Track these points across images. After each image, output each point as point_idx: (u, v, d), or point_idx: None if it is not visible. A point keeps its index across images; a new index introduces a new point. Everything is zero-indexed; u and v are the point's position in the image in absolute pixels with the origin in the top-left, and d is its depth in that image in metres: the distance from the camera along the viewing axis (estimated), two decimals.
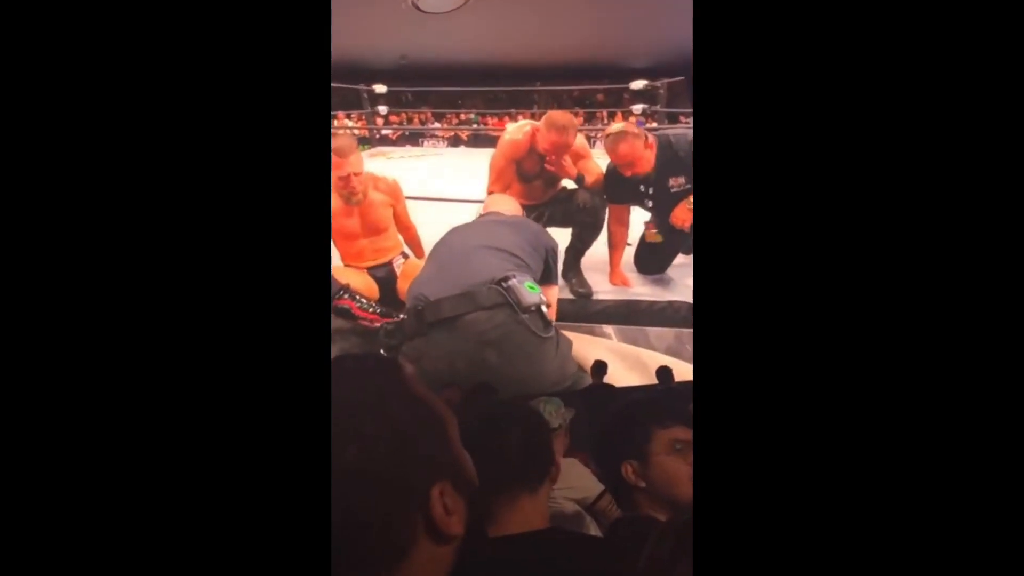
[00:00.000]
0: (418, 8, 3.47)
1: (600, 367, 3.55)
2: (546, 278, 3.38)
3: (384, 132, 5.71)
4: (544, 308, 3.07)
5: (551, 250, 3.40)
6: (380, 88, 5.46)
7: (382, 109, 5.82)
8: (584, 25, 4.09)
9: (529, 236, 3.29)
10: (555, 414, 1.71)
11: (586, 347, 3.78)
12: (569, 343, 3.29)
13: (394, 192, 4.03)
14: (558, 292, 3.77)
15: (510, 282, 2.95)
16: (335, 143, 3.70)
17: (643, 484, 1.16)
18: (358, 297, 3.78)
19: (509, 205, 3.72)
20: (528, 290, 3.00)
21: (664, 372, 3.63)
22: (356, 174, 3.69)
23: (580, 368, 3.39)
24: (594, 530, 1.52)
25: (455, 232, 3.33)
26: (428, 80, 5.02)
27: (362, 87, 5.48)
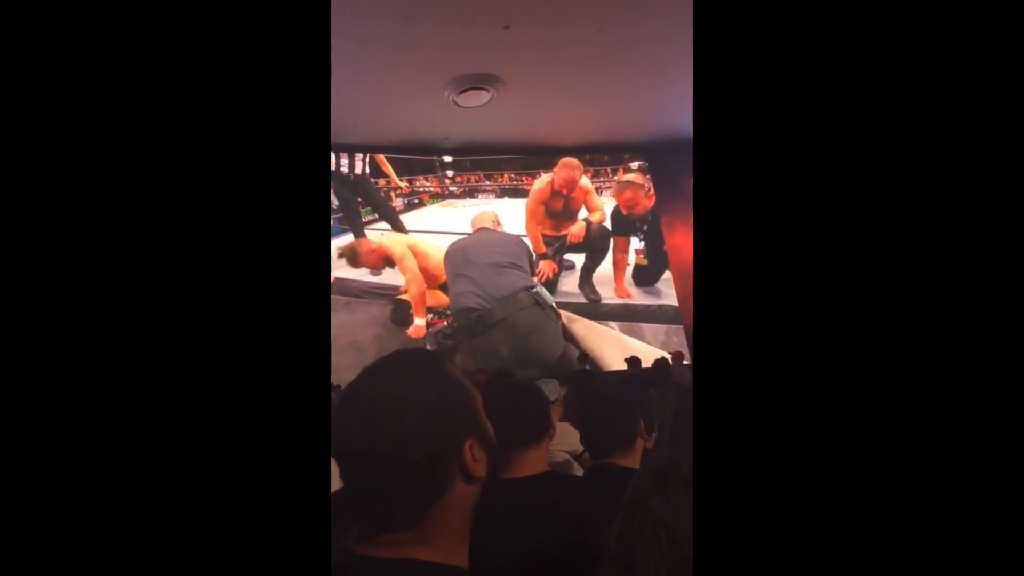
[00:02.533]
0: (456, 104, 3.67)
1: (583, 357, 3.82)
2: (531, 270, 3.71)
3: (451, 189, 5.97)
4: (553, 303, 3.49)
5: (528, 252, 3.75)
6: (448, 158, 5.71)
7: (449, 172, 6.04)
8: (588, 114, 4.31)
9: (519, 248, 3.65)
10: (553, 390, 1.81)
11: (595, 333, 4.10)
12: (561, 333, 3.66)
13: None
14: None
15: (536, 288, 3.37)
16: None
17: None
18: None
19: (489, 219, 4.02)
20: (547, 294, 3.46)
21: (633, 360, 3.81)
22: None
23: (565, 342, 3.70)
24: (578, 472, 1.58)
25: (466, 250, 3.58)
26: (471, 153, 5.34)
27: (435, 158, 5.74)
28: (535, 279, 3.59)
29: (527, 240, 4.16)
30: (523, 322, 3.28)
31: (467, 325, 3.32)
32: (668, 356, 3.91)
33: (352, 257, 4.24)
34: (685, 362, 4.18)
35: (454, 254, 3.60)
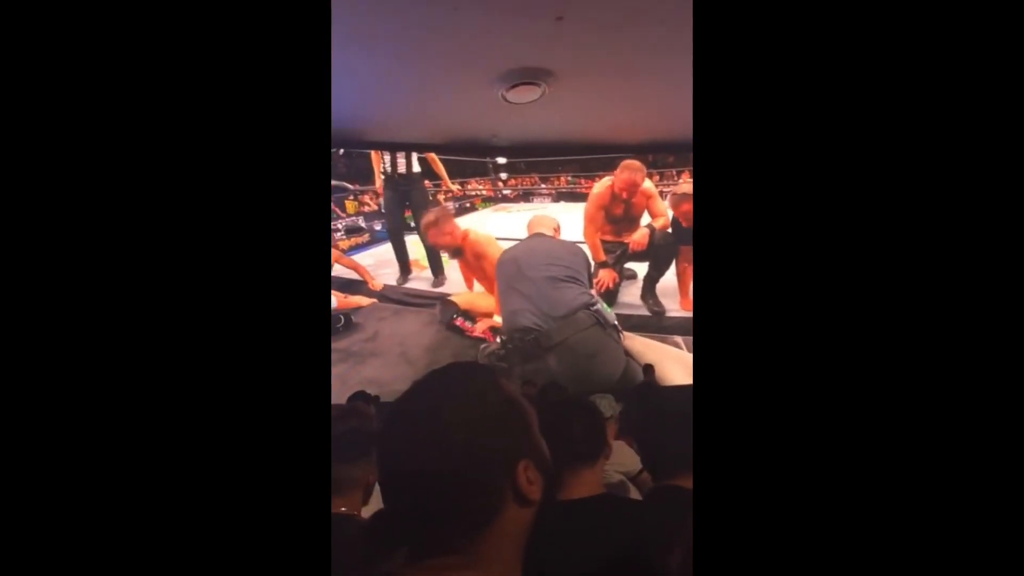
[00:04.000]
0: (506, 100, 3.58)
1: (648, 368, 3.55)
2: (591, 283, 3.49)
3: (504, 192, 5.92)
4: (615, 321, 3.22)
5: (587, 263, 3.48)
6: (501, 160, 5.62)
7: (503, 175, 5.99)
8: (645, 111, 4.18)
9: (576, 259, 3.39)
10: (608, 407, 1.73)
11: (654, 351, 3.82)
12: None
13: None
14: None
15: (596, 307, 3.09)
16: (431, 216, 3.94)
17: None
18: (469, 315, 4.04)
19: (550, 225, 3.78)
20: (608, 312, 3.16)
21: (647, 368, 3.57)
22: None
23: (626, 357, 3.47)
24: (635, 495, 1.52)
25: (519, 261, 3.36)
26: (522, 152, 5.15)
27: (488, 160, 5.64)
28: (594, 292, 3.35)
29: (585, 248, 3.89)
30: (583, 344, 3.02)
31: (522, 347, 3.12)
32: None
33: (429, 224, 4.00)
34: None
35: (506, 264, 3.40)
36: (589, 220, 4.51)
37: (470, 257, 4.11)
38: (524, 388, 2.34)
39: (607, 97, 4.12)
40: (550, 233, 3.75)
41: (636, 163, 4.36)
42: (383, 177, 5.09)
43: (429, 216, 4.02)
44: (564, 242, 3.73)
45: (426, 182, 5.55)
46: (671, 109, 4.54)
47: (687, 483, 1.08)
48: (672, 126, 4.98)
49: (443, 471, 0.53)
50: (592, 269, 3.61)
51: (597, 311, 3.07)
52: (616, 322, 3.15)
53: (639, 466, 1.62)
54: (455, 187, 5.78)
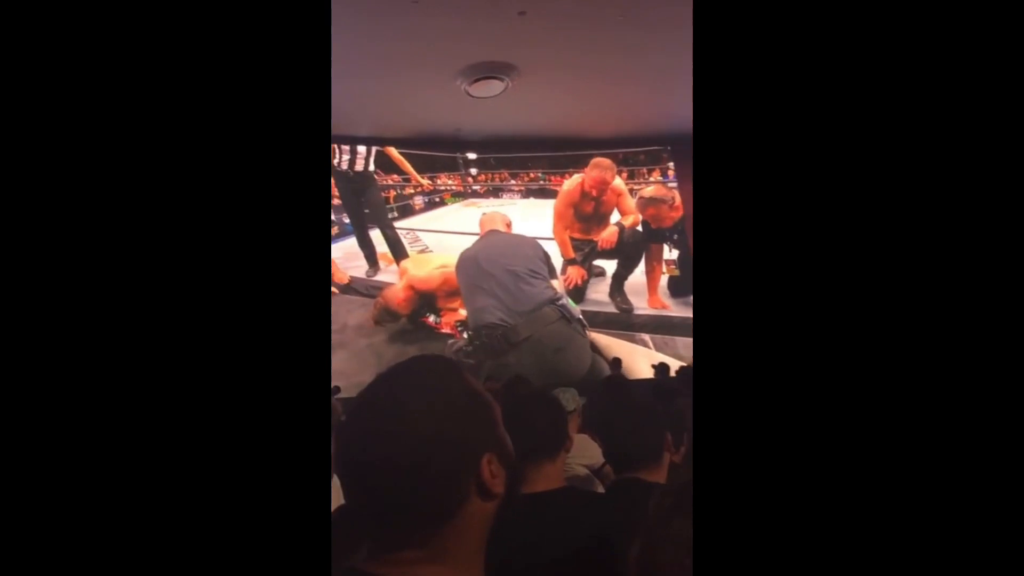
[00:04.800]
0: (469, 94, 3.63)
1: (616, 362, 3.67)
2: (551, 275, 3.59)
3: (474, 187, 5.96)
4: (580, 315, 3.34)
5: (545, 257, 3.58)
6: (471, 155, 5.67)
7: (473, 170, 6.02)
8: (611, 106, 4.26)
9: (535, 252, 3.51)
10: (570, 400, 1.77)
11: (620, 348, 3.93)
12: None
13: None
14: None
15: (561, 301, 3.22)
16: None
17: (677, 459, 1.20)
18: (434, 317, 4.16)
19: (501, 221, 3.90)
20: (573, 306, 3.31)
21: (662, 367, 3.75)
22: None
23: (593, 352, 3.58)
24: (599, 488, 1.55)
25: (479, 259, 3.45)
26: (486, 147, 5.24)
27: (458, 155, 5.68)
28: (560, 287, 3.43)
29: (545, 243, 3.98)
30: (550, 339, 3.16)
31: (489, 343, 3.20)
32: None
33: (385, 314, 4.24)
34: None
35: (466, 263, 3.47)
36: (558, 217, 4.58)
37: (440, 294, 4.26)
38: (487, 384, 2.38)
39: (572, 92, 4.15)
40: (503, 229, 3.84)
41: (606, 161, 4.45)
42: (336, 174, 4.98)
43: (379, 313, 4.25)
44: (520, 236, 3.84)
45: (394, 176, 5.53)
46: (638, 104, 4.61)
47: (648, 476, 1.11)
48: (640, 122, 5.04)
49: (406, 464, 0.54)
50: (550, 261, 3.68)
51: (562, 306, 3.17)
52: (581, 316, 3.26)
53: (602, 459, 1.65)
54: (425, 182, 5.79)
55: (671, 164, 5.27)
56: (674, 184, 5.20)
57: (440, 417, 0.56)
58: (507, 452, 0.61)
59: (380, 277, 5.03)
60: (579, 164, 4.88)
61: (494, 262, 3.35)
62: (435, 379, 0.60)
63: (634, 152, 5.58)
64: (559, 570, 0.84)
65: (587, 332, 3.37)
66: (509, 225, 3.93)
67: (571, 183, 4.61)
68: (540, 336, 3.12)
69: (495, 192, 6.20)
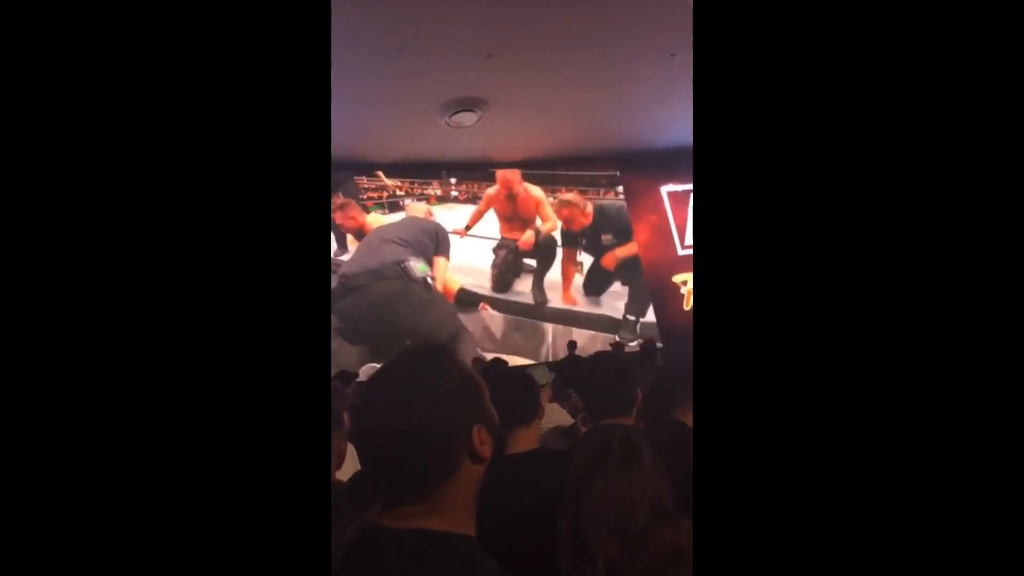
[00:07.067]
0: (449, 124, 3.94)
1: (572, 344, 4.08)
2: (437, 252, 3.94)
3: (453, 193, 6.37)
4: (429, 280, 3.68)
5: (433, 231, 3.93)
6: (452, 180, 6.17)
7: (452, 180, 6.36)
8: (565, 130, 4.82)
9: (419, 227, 3.83)
10: (542, 375, 1.92)
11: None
12: (452, 307, 3.88)
13: None
14: (447, 265, 4.31)
15: (406, 263, 3.59)
16: None
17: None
18: None
19: (421, 210, 4.24)
20: (419, 269, 3.65)
21: (571, 344, 4.27)
22: None
23: (461, 326, 3.93)
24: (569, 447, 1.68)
25: (382, 231, 3.80)
26: (466, 167, 5.72)
27: (444, 172, 6.11)
28: (412, 262, 3.68)
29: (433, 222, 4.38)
30: (381, 291, 3.54)
31: (336, 288, 3.56)
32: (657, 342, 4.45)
33: (336, 208, 4.25)
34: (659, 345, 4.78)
35: (369, 234, 3.82)
36: (476, 213, 5.12)
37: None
38: (475, 366, 2.58)
39: (531, 119, 4.46)
40: (422, 215, 4.12)
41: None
42: None
43: (337, 200, 4.25)
44: (421, 218, 4.12)
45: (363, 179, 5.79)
46: (592, 130, 4.91)
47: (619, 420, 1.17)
48: (592, 146, 5.36)
49: (410, 435, 0.58)
50: (439, 238, 4.02)
51: (405, 267, 3.51)
52: (428, 278, 3.57)
53: (572, 420, 1.84)
54: (398, 183, 6.37)
55: (570, 187, 5.72)
56: (623, 198, 5.79)
57: (437, 395, 0.61)
58: (493, 423, 0.65)
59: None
60: (549, 182, 5.40)
61: (379, 232, 3.72)
62: (433, 364, 0.64)
63: (597, 176, 5.97)
64: (537, 521, 0.90)
65: (433, 292, 3.69)
66: (430, 213, 4.27)
67: (492, 189, 5.23)
68: (373, 288, 3.49)
69: (473, 200, 6.52)
